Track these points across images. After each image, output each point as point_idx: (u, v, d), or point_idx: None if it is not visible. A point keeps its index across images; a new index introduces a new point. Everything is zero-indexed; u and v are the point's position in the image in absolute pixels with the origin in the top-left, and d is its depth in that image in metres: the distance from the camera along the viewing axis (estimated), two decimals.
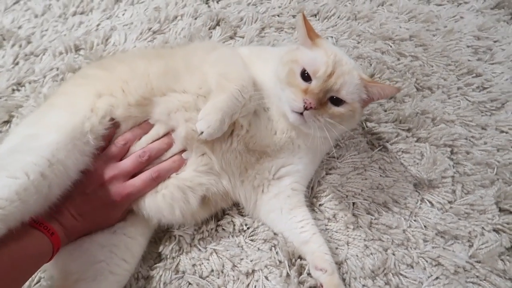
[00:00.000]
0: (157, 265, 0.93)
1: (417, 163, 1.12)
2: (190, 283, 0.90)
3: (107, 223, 0.89)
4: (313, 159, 1.02)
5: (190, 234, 0.96)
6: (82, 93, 0.89)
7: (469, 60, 1.40)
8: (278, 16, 1.52)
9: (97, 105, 0.86)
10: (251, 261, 0.93)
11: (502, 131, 1.22)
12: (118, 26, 1.45)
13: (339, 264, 0.93)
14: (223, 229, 0.99)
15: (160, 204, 0.89)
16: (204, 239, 0.97)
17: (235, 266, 0.93)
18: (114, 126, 0.88)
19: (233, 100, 0.83)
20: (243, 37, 1.42)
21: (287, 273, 0.90)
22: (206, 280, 0.91)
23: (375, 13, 1.57)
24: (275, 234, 0.98)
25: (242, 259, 0.93)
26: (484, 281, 0.92)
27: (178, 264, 0.93)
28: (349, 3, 1.59)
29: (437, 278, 0.92)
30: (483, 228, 1.00)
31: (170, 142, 0.92)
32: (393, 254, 0.95)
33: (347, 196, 1.05)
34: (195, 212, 0.92)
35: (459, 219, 1.02)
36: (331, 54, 0.87)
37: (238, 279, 0.91)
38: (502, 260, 0.96)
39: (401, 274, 0.93)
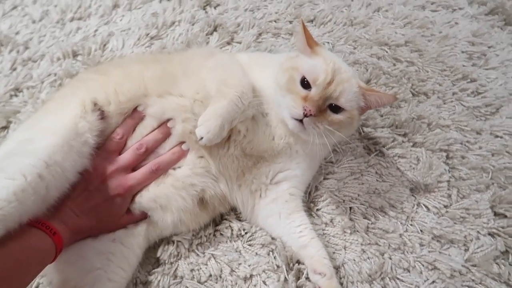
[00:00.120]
0: (156, 270, 0.93)
1: (413, 168, 1.13)
2: None
3: (111, 221, 0.89)
4: (311, 165, 1.02)
5: (188, 239, 0.97)
6: (75, 96, 0.90)
7: (464, 66, 1.41)
8: (275, 22, 1.53)
9: (88, 103, 0.87)
10: (249, 266, 0.93)
11: (496, 136, 1.23)
12: (116, 32, 1.45)
13: (336, 269, 0.93)
14: (221, 234, 0.99)
15: (158, 200, 0.90)
16: (202, 244, 0.97)
17: (233, 271, 0.93)
18: (107, 118, 0.89)
19: (233, 106, 0.84)
20: (240, 43, 1.43)
21: (285, 277, 0.90)
22: (204, 285, 0.91)
23: (371, 19, 1.58)
24: (273, 239, 0.98)
25: (240, 264, 0.94)
26: (480, 285, 0.93)
27: (176, 269, 0.93)
28: (345, 9, 1.61)
29: (433, 282, 0.93)
30: (478, 232, 1.01)
31: (166, 132, 0.92)
32: (390, 259, 0.96)
33: (344, 201, 1.05)
34: (193, 212, 0.93)
35: (454, 223, 1.03)
36: (330, 62, 0.88)
37: (236, 284, 0.91)
38: (497, 263, 0.97)
39: (398, 278, 0.93)
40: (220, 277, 0.92)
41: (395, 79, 1.35)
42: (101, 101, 0.89)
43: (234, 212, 1.03)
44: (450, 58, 1.44)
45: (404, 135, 1.21)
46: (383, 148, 1.17)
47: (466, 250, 0.98)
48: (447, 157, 1.17)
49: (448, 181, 1.11)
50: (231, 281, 0.91)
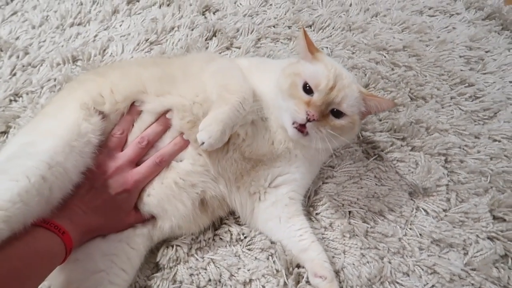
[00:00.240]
0: (155, 275, 0.93)
1: (412, 172, 1.14)
2: None
3: (119, 218, 0.89)
4: (310, 169, 1.03)
5: (187, 243, 0.97)
6: (73, 97, 0.91)
7: (461, 70, 1.42)
8: (273, 27, 1.54)
9: (88, 103, 0.88)
10: (249, 270, 0.93)
11: (495, 140, 1.23)
12: (116, 37, 1.46)
13: (336, 273, 0.93)
14: (220, 238, 0.99)
15: (162, 196, 0.90)
16: (201, 248, 0.97)
17: (233, 275, 0.93)
18: (104, 117, 0.90)
19: (234, 111, 0.84)
20: (239, 48, 1.44)
21: (285, 282, 0.90)
22: None
23: (369, 24, 1.59)
24: (272, 243, 0.98)
25: (239, 268, 0.94)
26: None
27: (175, 274, 0.93)
28: (344, 14, 1.62)
29: (433, 286, 0.93)
30: (477, 236, 1.01)
31: (165, 123, 0.93)
32: (389, 263, 0.96)
33: (343, 205, 1.06)
34: (193, 215, 0.93)
35: (454, 227, 1.03)
36: (331, 68, 0.89)
37: None
38: (496, 267, 0.96)
39: (397, 282, 0.93)
40: (220, 281, 0.92)
41: (393, 83, 1.35)
42: (97, 101, 0.89)
43: (233, 216, 1.03)
44: (448, 62, 1.44)
45: (403, 139, 1.21)
46: (382, 152, 1.17)
47: (465, 254, 0.98)
48: (446, 161, 1.17)
49: (447, 185, 1.11)
50: (231, 286, 0.91)
